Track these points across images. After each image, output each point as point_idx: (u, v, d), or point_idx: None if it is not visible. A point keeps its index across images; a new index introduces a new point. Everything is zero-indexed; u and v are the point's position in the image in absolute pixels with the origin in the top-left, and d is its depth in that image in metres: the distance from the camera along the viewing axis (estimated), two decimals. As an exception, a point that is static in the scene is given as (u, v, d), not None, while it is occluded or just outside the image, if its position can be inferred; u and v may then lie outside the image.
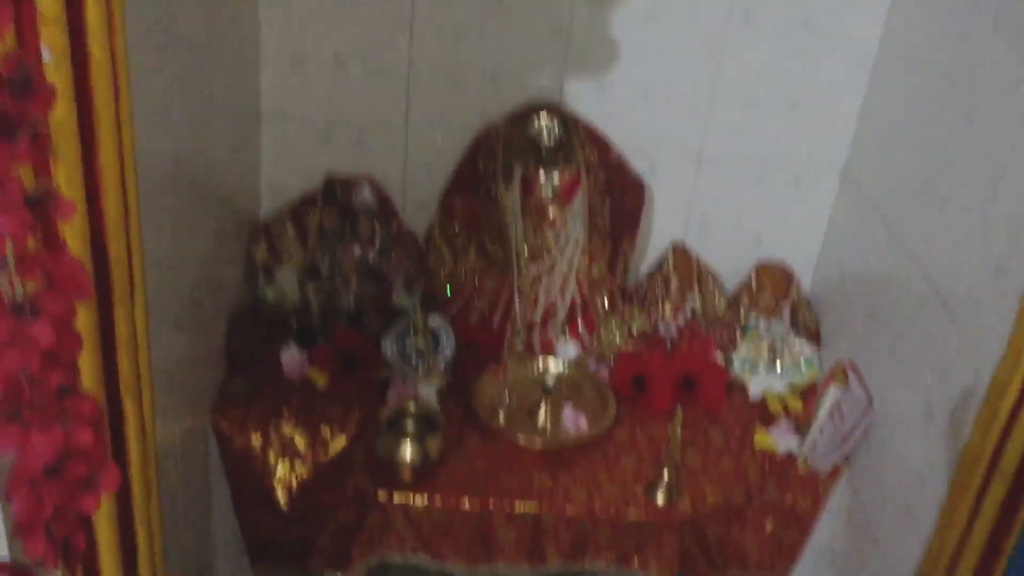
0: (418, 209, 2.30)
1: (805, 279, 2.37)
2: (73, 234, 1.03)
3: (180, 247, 1.72)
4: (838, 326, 2.24)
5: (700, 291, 2.30)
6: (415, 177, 2.28)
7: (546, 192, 2.14)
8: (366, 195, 2.20)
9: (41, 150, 0.91)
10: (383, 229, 2.22)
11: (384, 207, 2.25)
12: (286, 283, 2.20)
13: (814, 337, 2.29)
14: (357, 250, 2.20)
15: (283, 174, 2.26)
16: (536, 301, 2.23)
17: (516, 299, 2.23)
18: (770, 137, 2.24)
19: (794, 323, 2.29)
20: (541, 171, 2.13)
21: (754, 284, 2.31)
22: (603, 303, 2.27)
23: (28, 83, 0.86)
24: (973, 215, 1.69)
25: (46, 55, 0.97)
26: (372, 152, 2.25)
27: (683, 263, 2.30)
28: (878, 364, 1.99)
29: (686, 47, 2.14)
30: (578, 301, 2.26)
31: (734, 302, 2.32)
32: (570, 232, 2.18)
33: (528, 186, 2.15)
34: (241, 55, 2.07)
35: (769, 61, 2.16)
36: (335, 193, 2.21)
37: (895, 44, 2.08)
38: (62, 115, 0.99)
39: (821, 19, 2.11)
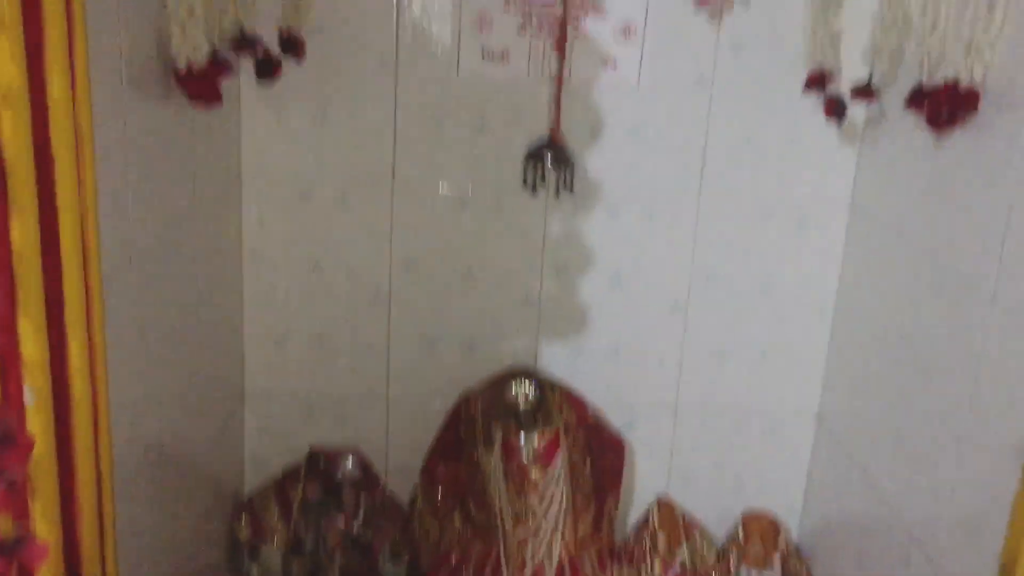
0: (402, 476, 2.32)
1: (792, 525, 2.36)
2: (48, 566, 1.05)
3: (161, 535, 1.73)
4: (830, 574, 2.21)
5: (688, 544, 2.29)
6: (398, 445, 2.31)
7: (527, 455, 2.17)
8: (349, 466, 2.23)
9: (19, 496, 0.94)
10: (367, 499, 2.23)
11: (367, 476, 2.27)
12: (270, 561, 2.18)
13: (808, 587, 2.26)
14: (341, 522, 2.20)
15: (266, 449, 2.29)
16: (523, 565, 2.20)
17: (503, 563, 2.20)
18: (742, 386, 2.30)
19: (786, 572, 2.26)
20: (521, 434, 2.16)
21: (742, 535, 2.30)
22: (591, 563, 2.25)
23: (8, 437, 0.91)
24: (943, 468, 1.72)
25: (29, 398, 1.03)
26: (355, 423, 2.30)
27: (669, 517, 2.30)
28: (873, 615, 1.96)
29: (652, 307, 2.24)
30: (566, 562, 2.23)
31: (724, 553, 2.30)
32: (553, 493, 2.19)
33: (509, 450, 2.17)
34: (225, 335, 2.15)
35: (733, 317, 2.25)
36: (318, 466, 2.24)
37: (850, 302, 2.19)
38: (41, 453, 1.03)
39: (777, 280, 2.23)
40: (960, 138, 1.76)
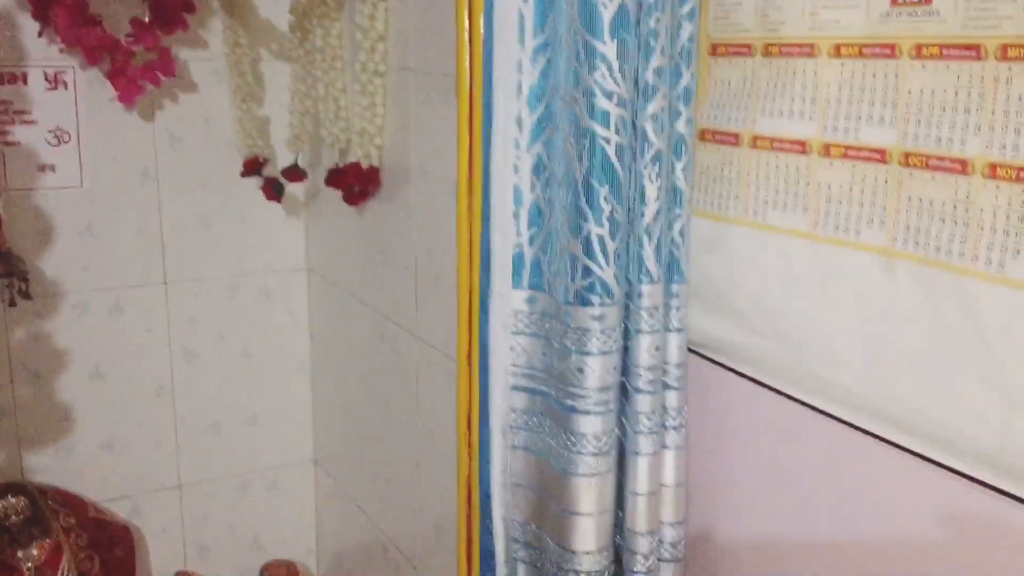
0: None
1: (311, 564, 2.56)
2: None
3: None
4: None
5: (215, 610, 2.39)
6: None
7: (28, 570, 2.13)
8: None
9: None
10: None
11: None
12: None
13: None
14: None
15: None
16: None
17: None
18: (240, 450, 2.45)
19: (311, 608, 2.46)
20: (18, 552, 2.12)
21: (264, 585, 2.45)
22: (116, 657, 2.26)
23: None
24: (410, 490, 2.01)
25: None
26: None
27: (191, 590, 2.38)
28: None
29: (138, 393, 2.30)
30: (89, 664, 2.22)
31: (250, 609, 2.43)
32: (63, 600, 2.18)
33: (8, 570, 2.12)
34: None
35: (220, 389, 2.40)
36: None
37: (322, 356, 2.45)
38: None
39: (255, 347, 2.43)
40: (374, 206, 2.05)
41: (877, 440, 1.15)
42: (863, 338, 1.13)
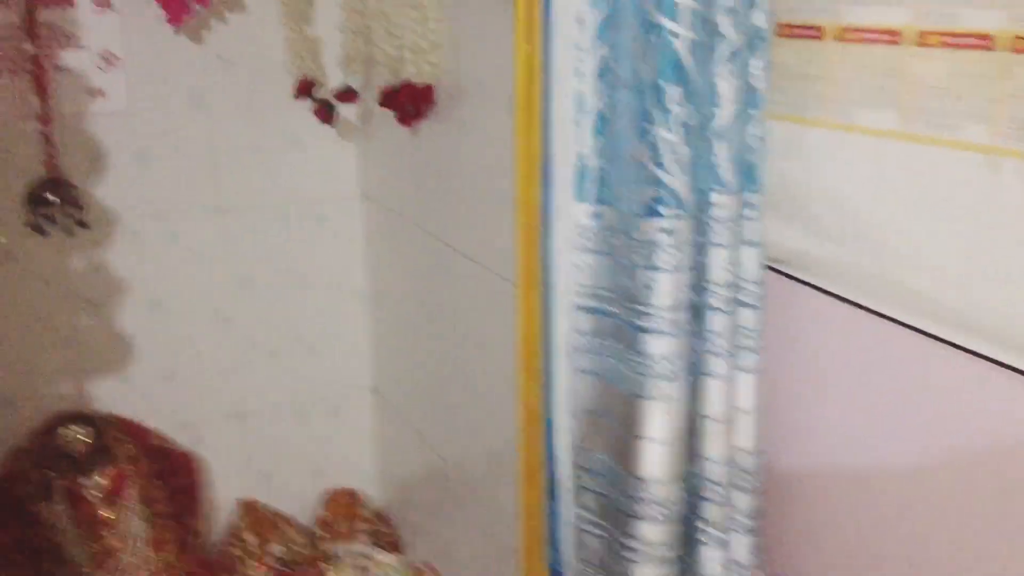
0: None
1: (373, 492, 2.55)
2: None
3: None
4: (413, 530, 2.42)
5: (279, 537, 2.39)
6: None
7: (94, 497, 2.15)
8: None
9: None
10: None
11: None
12: None
13: (395, 547, 2.45)
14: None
15: None
16: (113, 605, 2.19)
17: (92, 609, 2.18)
18: (300, 377, 2.43)
19: (375, 540, 2.44)
20: (82, 479, 2.13)
21: (327, 514, 2.44)
22: (185, 583, 2.29)
23: None
24: (466, 415, 1.96)
25: None
26: None
27: (254, 517, 2.38)
28: (450, 557, 2.19)
29: (197, 321, 2.29)
30: (158, 590, 2.25)
31: (313, 537, 2.43)
32: (130, 528, 2.19)
33: (75, 497, 2.14)
34: None
35: (278, 316, 2.37)
36: None
37: (379, 282, 2.41)
38: None
39: (310, 273, 2.39)
40: (428, 127, 1.97)
41: (973, 356, 1.06)
42: (960, 245, 1.03)
